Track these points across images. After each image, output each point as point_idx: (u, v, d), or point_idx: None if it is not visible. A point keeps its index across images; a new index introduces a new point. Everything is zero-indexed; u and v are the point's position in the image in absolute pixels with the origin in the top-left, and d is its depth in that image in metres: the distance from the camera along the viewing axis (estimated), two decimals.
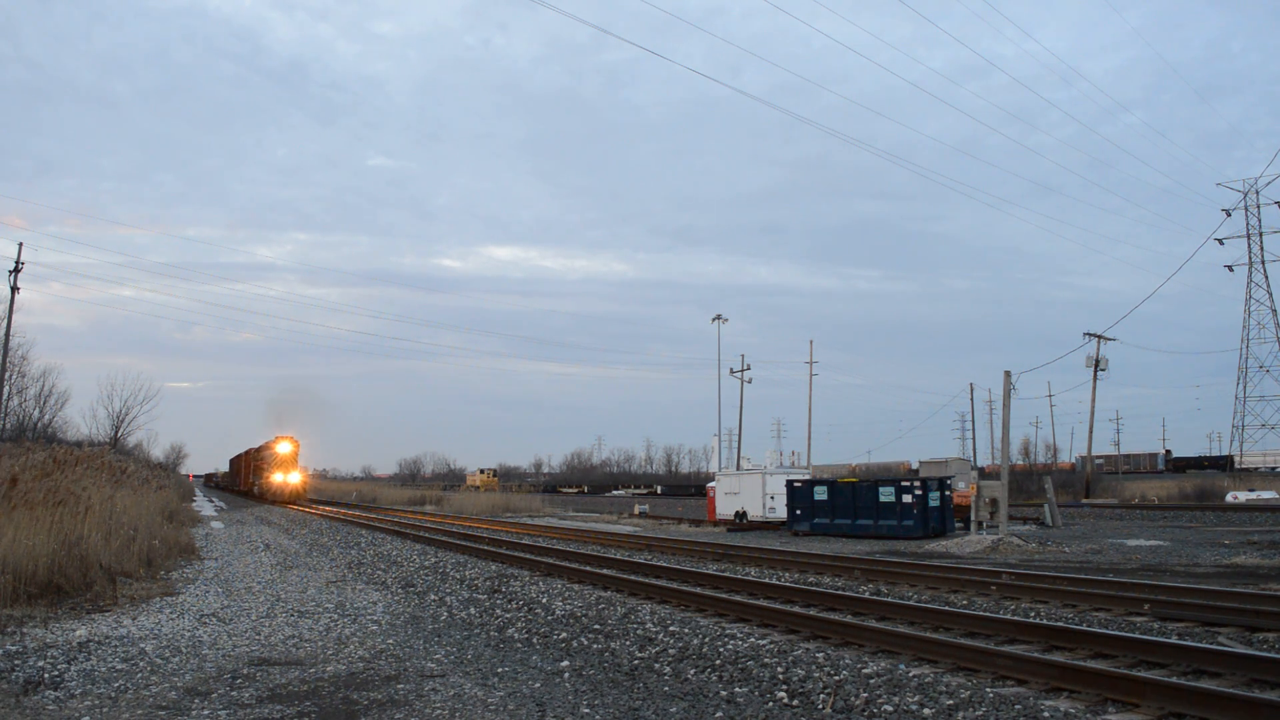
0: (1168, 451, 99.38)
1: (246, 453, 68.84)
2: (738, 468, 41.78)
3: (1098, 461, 77.11)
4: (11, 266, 41.56)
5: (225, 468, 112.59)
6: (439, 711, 6.60)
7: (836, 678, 7.30)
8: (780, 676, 7.49)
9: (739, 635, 9.29)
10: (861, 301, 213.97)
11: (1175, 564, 17.67)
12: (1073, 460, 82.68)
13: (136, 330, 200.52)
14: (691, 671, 7.95)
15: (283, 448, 54.23)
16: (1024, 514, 35.01)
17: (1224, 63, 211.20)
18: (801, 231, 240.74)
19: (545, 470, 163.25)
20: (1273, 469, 68.10)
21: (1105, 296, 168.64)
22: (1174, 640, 8.64)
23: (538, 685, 7.52)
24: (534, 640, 9.57)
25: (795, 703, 6.87)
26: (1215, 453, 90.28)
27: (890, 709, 6.49)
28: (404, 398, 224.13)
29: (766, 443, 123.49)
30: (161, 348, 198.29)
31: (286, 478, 53.64)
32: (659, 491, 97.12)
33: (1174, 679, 7.01)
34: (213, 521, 31.70)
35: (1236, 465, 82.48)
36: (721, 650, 8.52)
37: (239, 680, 7.52)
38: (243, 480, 69.85)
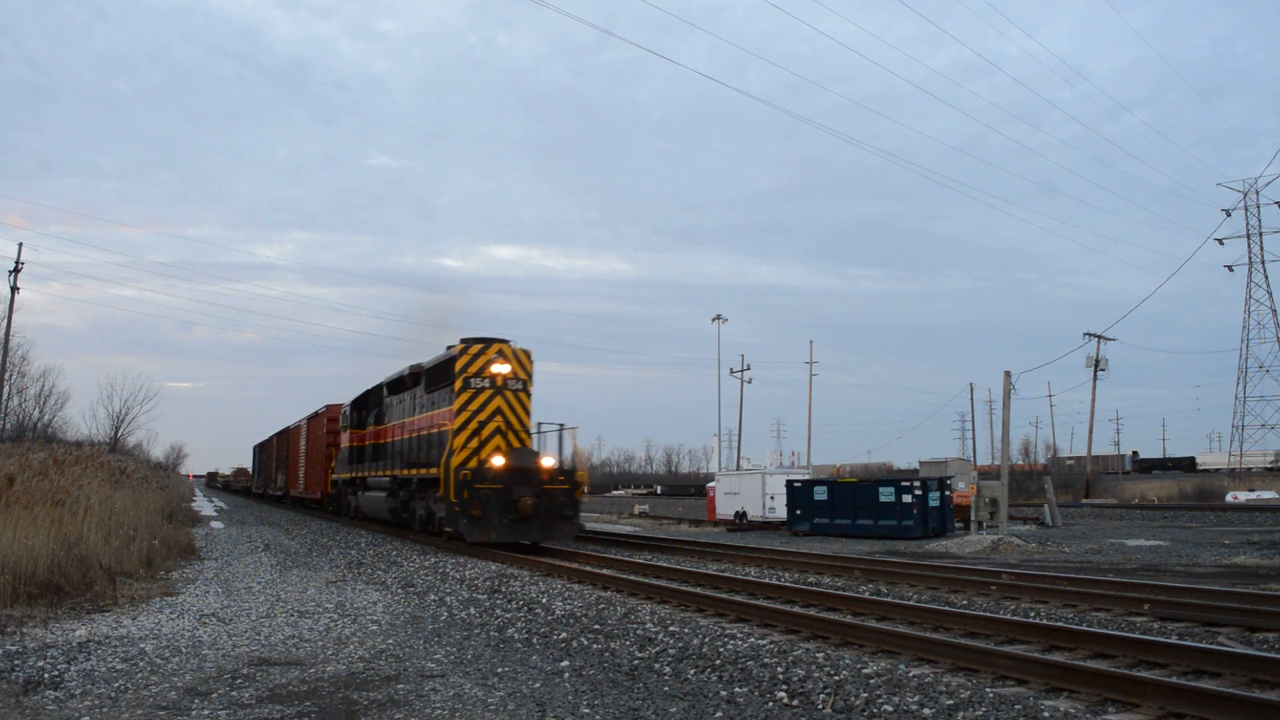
0: (1134, 453, 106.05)
1: (318, 416, 33.73)
2: (738, 468, 41.83)
3: (1068, 463, 78.42)
4: (11, 266, 41.66)
5: (227, 468, 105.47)
6: (439, 711, 6.60)
7: (836, 678, 7.30)
8: (780, 676, 7.49)
9: (739, 635, 9.29)
10: (863, 301, 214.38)
11: (1175, 564, 17.66)
12: (1045, 461, 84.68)
13: (136, 330, 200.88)
14: (691, 671, 7.95)
15: (499, 368, 19.48)
16: (1024, 514, 35.00)
17: (1229, 62, 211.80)
18: (804, 231, 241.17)
19: None
20: (1234, 470, 68.66)
21: (1105, 296, 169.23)
22: (1174, 640, 8.63)
23: (538, 685, 7.52)
24: (534, 640, 9.57)
25: (795, 703, 6.87)
26: (1217, 452, 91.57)
27: (890, 709, 6.49)
28: None
29: (766, 443, 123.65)
30: (161, 348, 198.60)
31: (518, 455, 19.13)
32: (659, 491, 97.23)
33: (1174, 679, 7.01)
34: (212, 521, 31.69)
35: (1198, 466, 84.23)
36: (721, 650, 8.51)
37: (239, 680, 7.51)
38: (310, 475, 35.19)
